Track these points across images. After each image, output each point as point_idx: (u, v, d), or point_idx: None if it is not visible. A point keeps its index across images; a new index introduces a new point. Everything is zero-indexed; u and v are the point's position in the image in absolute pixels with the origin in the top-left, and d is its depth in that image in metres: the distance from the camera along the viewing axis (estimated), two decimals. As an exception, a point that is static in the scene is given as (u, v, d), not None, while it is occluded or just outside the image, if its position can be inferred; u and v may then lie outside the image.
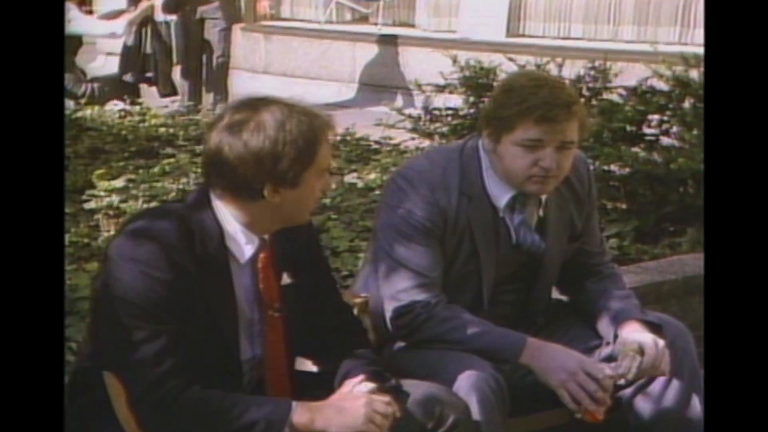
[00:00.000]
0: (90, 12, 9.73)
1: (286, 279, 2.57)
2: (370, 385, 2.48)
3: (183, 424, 2.33)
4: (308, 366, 2.75)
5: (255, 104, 2.43)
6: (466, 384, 2.75)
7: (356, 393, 2.45)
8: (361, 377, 2.50)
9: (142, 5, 9.33)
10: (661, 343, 2.93)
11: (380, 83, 10.23)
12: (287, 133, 2.38)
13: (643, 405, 3.05)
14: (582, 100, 3.08)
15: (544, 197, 3.02)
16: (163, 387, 2.32)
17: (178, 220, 2.41)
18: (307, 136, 2.40)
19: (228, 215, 2.45)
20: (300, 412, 2.37)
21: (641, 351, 2.88)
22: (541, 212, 3.04)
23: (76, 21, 9.06)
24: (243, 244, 2.48)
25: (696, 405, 3.01)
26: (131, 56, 9.34)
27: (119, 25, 9.32)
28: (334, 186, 2.57)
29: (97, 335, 2.45)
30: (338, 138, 7.36)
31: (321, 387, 2.56)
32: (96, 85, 9.24)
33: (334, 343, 2.65)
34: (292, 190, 2.42)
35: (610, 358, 2.98)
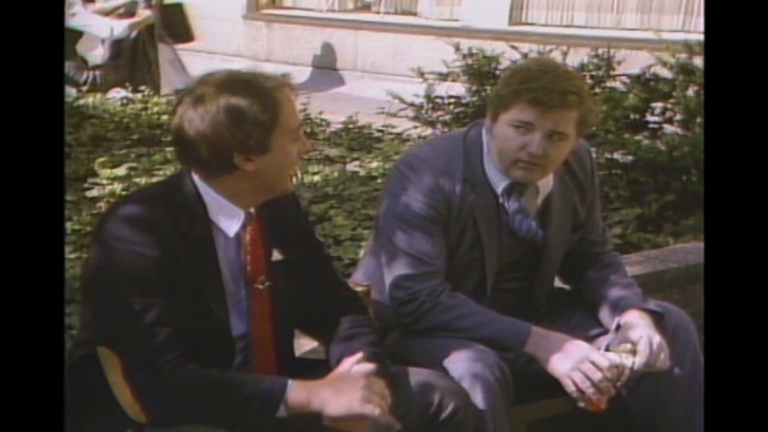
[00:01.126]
0: (92, 1, 9.72)
1: (276, 255, 2.57)
2: (369, 367, 2.46)
3: (179, 398, 2.33)
4: (308, 352, 2.75)
5: (210, 79, 2.45)
6: (470, 372, 2.75)
7: (354, 374, 2.44)
8: (359, 355, 2.49)
9: (146, 12, 9.37)
10: (657, 340, 2.91)
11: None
12: (239, 100, 2.39)
13: (646, 394, 3.04)
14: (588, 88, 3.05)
15: (542, 186, 3.01)
16: (158, 359, 2.33)
17: (163, 200, 2.43)
18: (262, 100, 2.40)
19: (210, 191, 2.47)
20: (296, 390, 2.36)
21: (634, 352, 2.87)
22: (539, 201, 3.03)
23: (79, 15, 9.07)
24: (229, 218, 2.48)
25: (698, 393, 3.01)
26: (122, 48, 9.39)
27: (121, 25, 9.33)
28: (309, 147, 2.57)
29: (92, 315, 2.46)
30: (339, 126, 7.37)
31: (316, 374, 2.55)
32: (98, 72, 9.24)
33: (331, 315, 2.65)
34: (263, 155, 2.42)
35: (609, 348, 2.97)
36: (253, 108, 2.39)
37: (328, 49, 10.97)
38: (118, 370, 2.37)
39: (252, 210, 2.53)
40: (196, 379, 2.34)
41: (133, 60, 9.44)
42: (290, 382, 2.37)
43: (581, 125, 2.90)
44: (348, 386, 2.39)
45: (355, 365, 2.45)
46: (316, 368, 2.56)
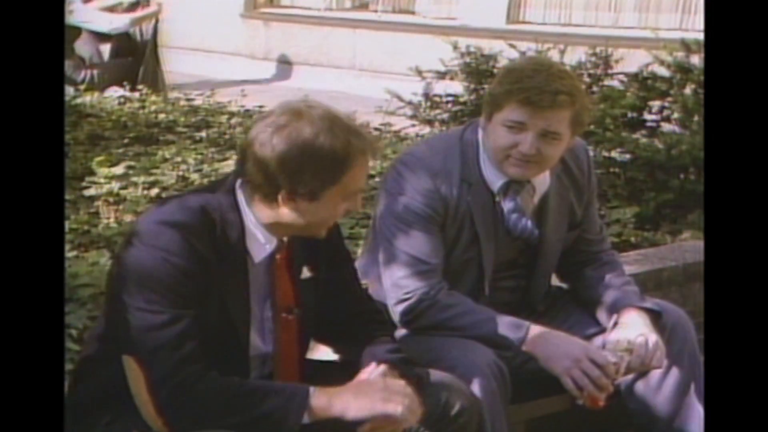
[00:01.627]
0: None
1: (306, 273, 2.57)
2: (386, 368, 2.48)
3: (201, 410, 2.33)
4: (322, 354, 2.75)
5: (300, 110, 2.40)
6: (468, 371, 2.75)
7: (373, 378, 2.46)
8: (375, 365, 2.50)
9: (152, 6, 9.38)
10: (653, 339, 2.91)
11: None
12: (317, 148, 2.35)
13: (643, 391, 3.05)
14: (583, 87, 3.04)
15: (538, 185, 3.01)
16: (182, 371, 2.32)
17: (202, 209, 2.40)
18: (338, 154, 2.37)
19: (250, 214, 2.45)
20: (318, 396, 2.36)
21: (630, 350, 2.87)
22: (535, 200, 3.03)
23: (77, 12, 9.07)
24: (261, 243, 2.47)
25: (696, 392, 3.01)
26: (128, 44, 9.39)
27: (122, 20, 9.33)
28: (359, 208, 2.56)
29: (117, 320, 2.42)
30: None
31: (332, 375, 2.56)
32: (95, 71, 9.23)
33: (355, 330, 2.65)
34: (309, 202, 2.40)
35: (606, 347, 2.97)
36: (325, 161, 2.35)
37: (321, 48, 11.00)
38: (142, 383, 2.36)
39: (285, 238, 2.52)
40: (218, 389, 2.34)
41: (156, 57, 9.42)
42: (311, 389, 2.37)
43: (575, 124, 2.89)
44: (368, 389, 2.40)
45: (373, 371, 2.48)
46: (329, 368, 2.60)
